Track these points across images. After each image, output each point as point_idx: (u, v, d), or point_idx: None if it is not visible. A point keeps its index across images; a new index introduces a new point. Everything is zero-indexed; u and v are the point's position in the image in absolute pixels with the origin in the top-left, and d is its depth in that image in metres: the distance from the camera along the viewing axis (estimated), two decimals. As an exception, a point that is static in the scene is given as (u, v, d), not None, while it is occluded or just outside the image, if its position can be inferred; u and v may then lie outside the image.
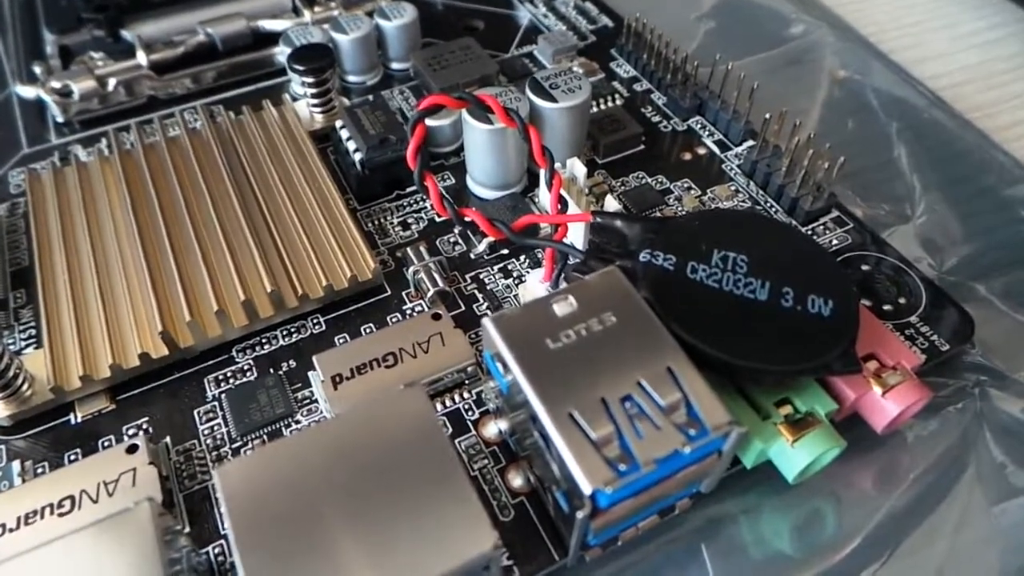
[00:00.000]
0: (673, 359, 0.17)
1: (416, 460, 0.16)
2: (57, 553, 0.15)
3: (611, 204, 0.24)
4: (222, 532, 0.19)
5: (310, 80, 0.27)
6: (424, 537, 0.14)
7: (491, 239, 0.25)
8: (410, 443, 0.16)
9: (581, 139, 0.27)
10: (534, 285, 0.22)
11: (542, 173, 0.23)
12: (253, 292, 0.22)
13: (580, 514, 0.15)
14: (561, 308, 0.18)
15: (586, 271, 0.21)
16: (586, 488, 0.15)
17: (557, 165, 0.23)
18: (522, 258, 0.25)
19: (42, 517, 0.18)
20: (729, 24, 0.37)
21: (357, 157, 0.26)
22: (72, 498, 0.18)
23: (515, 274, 0.24)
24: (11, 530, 0.18)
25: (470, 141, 0.25)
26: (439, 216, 0.26)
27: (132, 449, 0.19)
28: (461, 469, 0.15)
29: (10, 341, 0.23)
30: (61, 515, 0.18)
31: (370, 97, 0.28)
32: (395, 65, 0.32)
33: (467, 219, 0.22)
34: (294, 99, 0.30)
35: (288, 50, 0.29)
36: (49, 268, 0.23)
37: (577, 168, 0.25)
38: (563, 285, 0.22)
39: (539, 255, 0.25)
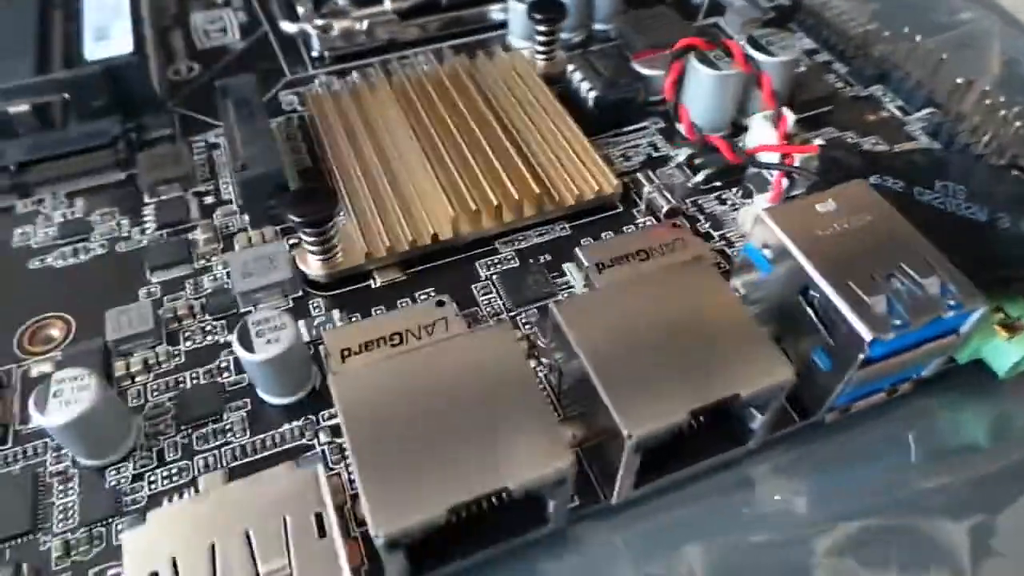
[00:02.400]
0: (927, 252, 0.20)
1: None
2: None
3: (815, 140, 0.28)
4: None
5: (544, 29, 0.31)
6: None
7: (709, 171, 0.28)
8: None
9: (785, 93, 0.30)
10: (760, 206, 0.26)
11: (755, 119, 0.27)
12: (521, 193, 0.26)
13: (858, 358, 0.18)
14: (823, 207, 0.21)
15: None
16: (866, 335, 0.18)
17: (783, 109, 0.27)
18: (734, 189, 0.28)
19: (378, 346, 0.22)
20: (895, 8, 0.40)
21: (591, 95, 0.30)
22: (399, 334, 0.22)
23: (728, 202, 0.28)
24: (354, 353, 0.21)
25: (695, 85, 0.29)
26: (675, 145, 0.29)
27: (440, 303, 0.23)
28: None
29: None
30: (393, 346, 0.22)
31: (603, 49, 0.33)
32: (598, 26, 0.36)
33: (712, 144, 0.26)
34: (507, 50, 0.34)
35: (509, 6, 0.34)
36: (340, 161, 0.28)
37: (788, 115, 0.28)
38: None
39: (749, 186, 0.28)
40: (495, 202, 0.26)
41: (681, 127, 0.28)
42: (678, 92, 0.29)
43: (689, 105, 0.30)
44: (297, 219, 0.23)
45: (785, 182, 0.26)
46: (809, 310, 0.20)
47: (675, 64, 0.26)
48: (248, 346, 0.21)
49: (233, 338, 0.21)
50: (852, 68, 0.34)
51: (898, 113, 0.32)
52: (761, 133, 0.28)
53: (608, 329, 0.19)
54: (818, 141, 0.27)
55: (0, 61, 0.30)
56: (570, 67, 0.31)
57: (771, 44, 0.29)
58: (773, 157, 0.26)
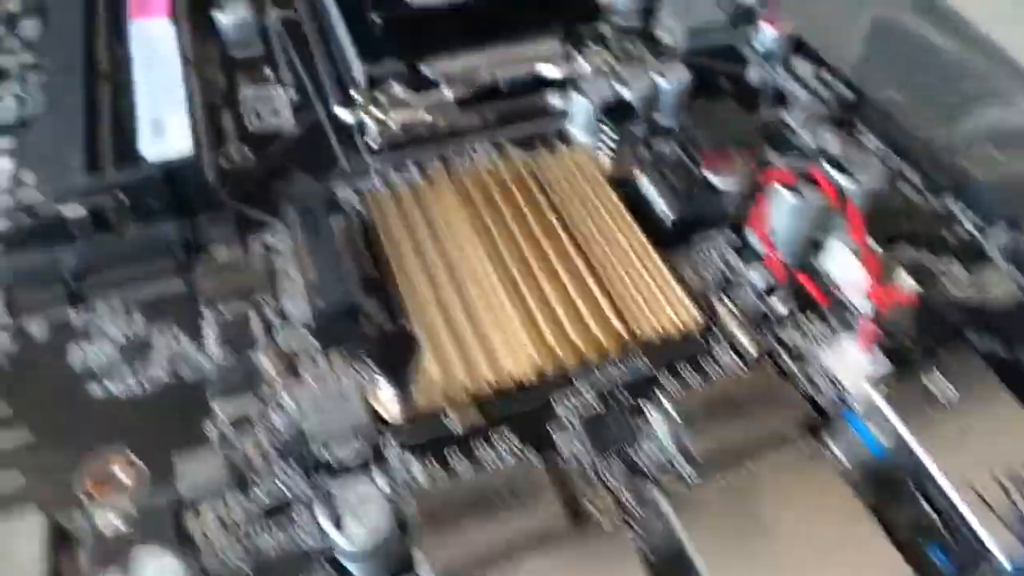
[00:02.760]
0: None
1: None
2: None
3: (905, 278, 0.27)
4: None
5: (614, 135, 0.31)
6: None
7: (787, 296, 0.28)
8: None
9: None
10: (850, 351, 0.25)
11: (836, 245, 0.26)
12: (604, 333, 0.25)
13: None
14: (933, 384, 0.20)
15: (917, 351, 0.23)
16: (1006, 561, 0.18)
17: (868, 240, 0.26)
18: (813, 316, 0.28)
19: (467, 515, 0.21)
20: (967, 109, 0.39)
21: (665, 211, 0.29)
22: (489, 500, 0.21)
23: (810, 334, 0.27)
24: (442, 523, 0.20)
25: (778, 212, 0.28)
26: (748, 263, 0.28)
27: (527, 464, 0.22)
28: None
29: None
30: (484, 517, 0.21)
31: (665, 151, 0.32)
32: (660, 119, 0.35)
33: (800, 283, 0.26)
34: (568, 143, 0.33)
35: (566, 96, 0.33)
36: (407, 277, 0.27)
37: (877, 250, 0.27)
38: (879, 356, 0.25)
39: (830, 319, 0.27)
40: (579, 345, 0.25)
41: (767, 258, 0.27)
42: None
43: (770, 229, 0.29)
44: (379, 370, 0.22)
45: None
46: (924, 501, 0.20)
47: (761, 198, 0.25)
48: (336, 524, 0.19)
49: (321, 518, 0.20)
50: (923, 175, 0.33)
51: (974, 231, 0.31)
52: (843, 262, 0.28)
53: (717, 528, 0.19)
54: (908, 284, 0.26)
55: (51, 158, 0.29)
56: (639, 175, 0.30)
57: (851, 164, 0.28)
58: (862, 298, 0.25)
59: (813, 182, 0.25)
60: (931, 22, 0.45)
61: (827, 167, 0.28)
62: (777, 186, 0.27)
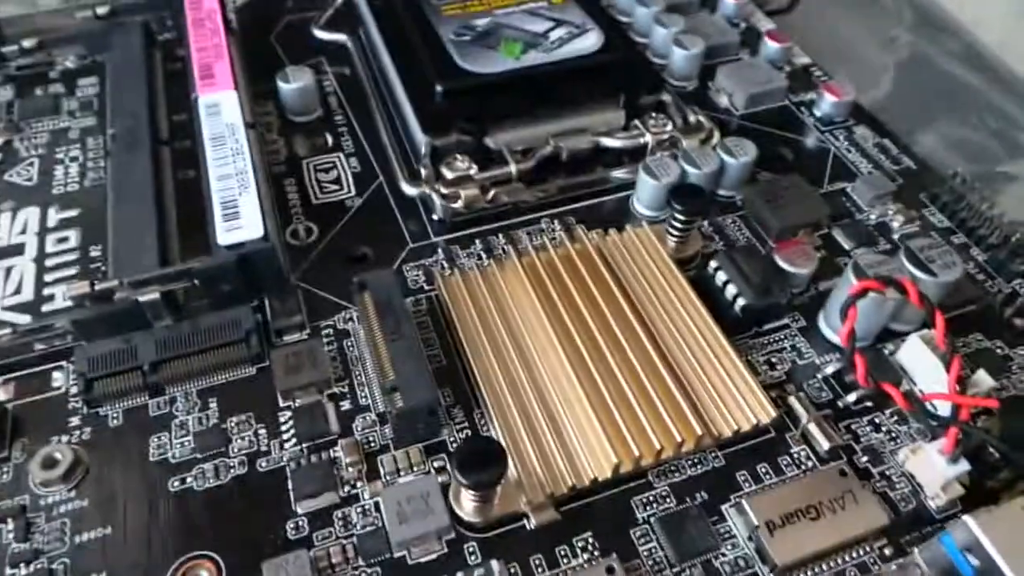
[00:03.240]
0: None
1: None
2: None
3: (984, 379, 0.27)
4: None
5: (684, 218, 0.30)
6: None
7: (861, 392, 0.27)
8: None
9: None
10: (932, 456, 0.25)
11: (913, 339, 0.26)
12: (682, 432, 0.25)
13: None
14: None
15: (1004, 460, 0.23)
16: None
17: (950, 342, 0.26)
18: (888, 412, 0.28)
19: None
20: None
21: (739, 301, 0.28)
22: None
23: (883, 428, 0.27)
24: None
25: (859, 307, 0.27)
26: (804, 358, 0.28)
27: (610, 571, 0.22)
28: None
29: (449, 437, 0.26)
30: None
31: (741, 235, 0.32)
32: (724, 192, 0.35)
33: (885, 391, 0.25)
34: (638, 219, 0.33)
35: (631, 171, 0.33)
36: (486, 372, 0.27)
37: (958, 359, 0.26)
38: (962, 461, 0.25)
39: (909, 419, 0.27)
40: (657, 445, 0.25)
41: (856, 376, 0.26)
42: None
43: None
44: (468, 485, 0.22)
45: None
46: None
47: (851, 311, 0.25)
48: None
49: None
50: (991, 257, 0.33)
51: (1047, 316, 0.31)
52: (921, 357, 0.27)
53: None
54: (988, 384, 0.26)
55: (124, 243, 0.29)
56: (713, 264, 0.29)
57: (931, 260, 0.28)
58: (944, 404, 0.25)
59: (899, 287, 0.25)
60: (974, 71, 0.45)
61: (907, 263, 0.28)
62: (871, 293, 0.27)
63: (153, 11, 0.42)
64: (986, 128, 0.44)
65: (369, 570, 0.23)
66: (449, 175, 0.33)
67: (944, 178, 0.35)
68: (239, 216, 0.29)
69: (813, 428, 0.26)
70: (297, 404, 0.27)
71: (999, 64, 0.46)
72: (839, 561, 0.24)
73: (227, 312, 0.28)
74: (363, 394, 0.27)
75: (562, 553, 0.24)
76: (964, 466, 0.24)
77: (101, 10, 0.41)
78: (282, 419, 0.26)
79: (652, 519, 0.24)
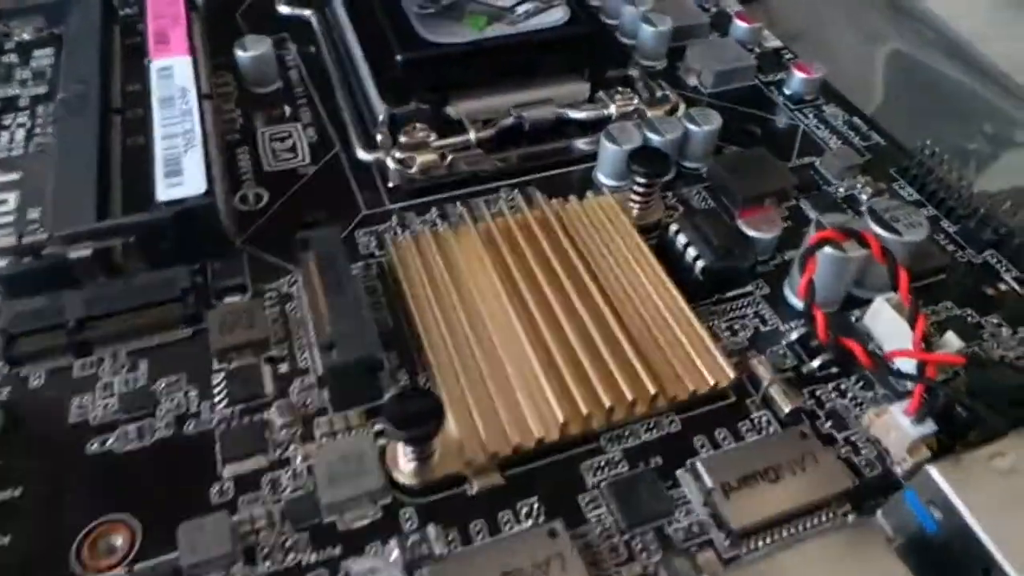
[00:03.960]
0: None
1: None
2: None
3: (953, 341, 0.26)
4: None
5: (644, 182, 0.30)
6: None
7: (826, 357, 0.26)
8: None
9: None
10: (897, 417, 0.23)
11: (881, 302, 0.25)
12: (635, 393, 0.24)
13: None
14: (1001, 462, 0.19)
15: (972, 419, 0.22)
16: None
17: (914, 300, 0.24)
18: (853, 378, 0.26)
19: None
20: (1002, 151, 0.38)
21: (699, 264, 0.27)
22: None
23: (849, 395, 0.26)
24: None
25: (820, 262, 0.26)
26: (768, 325, 0.27)
27: (552, 533, 0.21)
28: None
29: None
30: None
31: (706, 206, 0.31)
32: (689, 164, 0.34)
33: (847, 347, 0.24)
34: (599, 189, 0.32)
35: (593, 141, 0.32)
36: (429, 331, 0.26)
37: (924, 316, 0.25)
38: (928, 422, 0.23)
39: (873, 380, 0.26)
40: (608, 404, 0.23)
41: (809, 317, 0.25)
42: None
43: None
44: (397, 432, 0.21)
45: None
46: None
47: (810, 262, 0.24)
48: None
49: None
50: (962, 228, 0.32)
51: (1016, 287, 0.30)
52: (887, 320, 0.26)
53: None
54: (955, 344, 0.25)
55: (60, 196, 0.28)
56: (674, 228, 0.28)
57: (896, 220, 0.27)
58: (910, 364, 0.24)
59: (861, 240, 0.24)
60: (951, 61, 0.45)
61: (872, 224, 0.27)
62: (826, 247, 0.26)
63: (115, -16, 0.42)
64: (957, 111, 0.43)
65: (296, 536, 0.21)
66: (406, 141, 0.32)
67: (912, 152, 0.34)
68: (181, 173, 0.28)
69: (774, 391, 0.25)
70: (232, 366, 0.25)
71: (965, 46, 0.46)
72: (801, 528, 0.22)
73: (164, 271, 0.27)
74: (303, 357, 0.26)
75: (505, 519, 0.22)
76: (930, 427, 0.23)
77: (60, -18, 0.41)
78: (215, 381, 0.25)
79: (602, 484, 0.23)
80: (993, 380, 0.23)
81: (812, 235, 0.26)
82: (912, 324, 0.24)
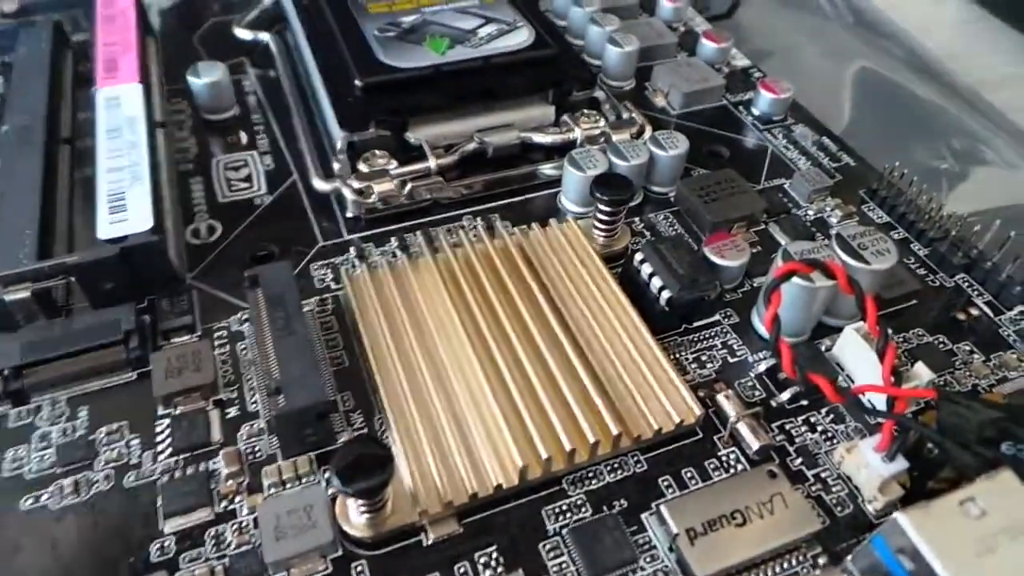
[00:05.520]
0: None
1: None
2: None
3: (923, 372, 0.25)
4: None
5: (608, 209, 0.29)
6: None
7: (796, 389, 0.26)
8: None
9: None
10: (868, 454, 0.23)
11: (850, 332, 0.25)
12: (597, 434, 0.23)
13: None
14: (972, 508, 0.18)
15: (944, 456, 0.21)
16: None
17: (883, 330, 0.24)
18: (824, 411, 0.26)
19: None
20: (971, 170, 0.37)
21: (664, 294, 0.27)
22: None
23: (819, 429, 0.25)
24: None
25: (786, 294, 0.25)
26: (737, 356, 0.26)
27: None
28: None
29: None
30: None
31: (674, 231, 0.30)
32: (656, 188, 0.33)
33: (814, 383, 0.23)
34: (564, 215, 0.32)
35: (558, 166, 0.31)
36: (390, 376, 0.24)
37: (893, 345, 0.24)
38: (900, 459, 0.23)
39: (846, 414, 0.25)
40: (568, 448, 0.22)
41: (776, 351, 0.24)
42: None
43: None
44: (348, 491, 0.20)
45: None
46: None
47: (775, 295, 0.23)
48: None
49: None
50: (932, 252, 0.31)
51: (988, 311, 0.29)
52: (857, 350, 0.26)
53: None
54: (925, 376, 0.24)
55: (2, 243, 0.26)
56: (638, 257, 0.28)
57: (864, 248, 0.27)
58: (880, 398, 0.23)
59: (827, 271, 0.23)
60: (919, 78, 0.45)
61: (840, 252, 0.26)
62: (793, 278, 0.25)
63: (66, 10, 0.40)
64: (925, 128, 0.43)
65: (241, 594, 0.21)
66: (365, 170, 0.31)
67: (882, 173, 0.34)
68: (125, 209, 0.27)
69: (743, 427, 0.24)
70: (178, 411, 0.24)
71: (933, 63, 0.46)
72: (769, 572, 0.21)
73: (106, 312, 0.26)
74: (252, 400, 0.25)
75: (462, 570, 0.21)
76: (902, 464, 0.22)
77: (8, 7, 0.39)
78: (159, 428, 0.24)
79: (564, 530, 0.22)
80: (963, 416, 0.22)
81: (778, 267, 0.25)
82: (881, 356, 0.23)
